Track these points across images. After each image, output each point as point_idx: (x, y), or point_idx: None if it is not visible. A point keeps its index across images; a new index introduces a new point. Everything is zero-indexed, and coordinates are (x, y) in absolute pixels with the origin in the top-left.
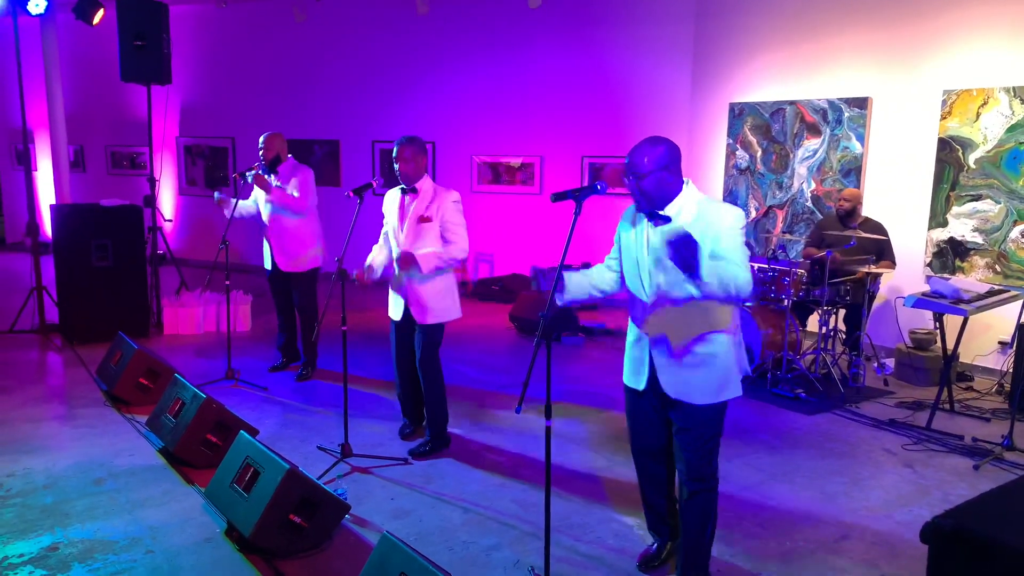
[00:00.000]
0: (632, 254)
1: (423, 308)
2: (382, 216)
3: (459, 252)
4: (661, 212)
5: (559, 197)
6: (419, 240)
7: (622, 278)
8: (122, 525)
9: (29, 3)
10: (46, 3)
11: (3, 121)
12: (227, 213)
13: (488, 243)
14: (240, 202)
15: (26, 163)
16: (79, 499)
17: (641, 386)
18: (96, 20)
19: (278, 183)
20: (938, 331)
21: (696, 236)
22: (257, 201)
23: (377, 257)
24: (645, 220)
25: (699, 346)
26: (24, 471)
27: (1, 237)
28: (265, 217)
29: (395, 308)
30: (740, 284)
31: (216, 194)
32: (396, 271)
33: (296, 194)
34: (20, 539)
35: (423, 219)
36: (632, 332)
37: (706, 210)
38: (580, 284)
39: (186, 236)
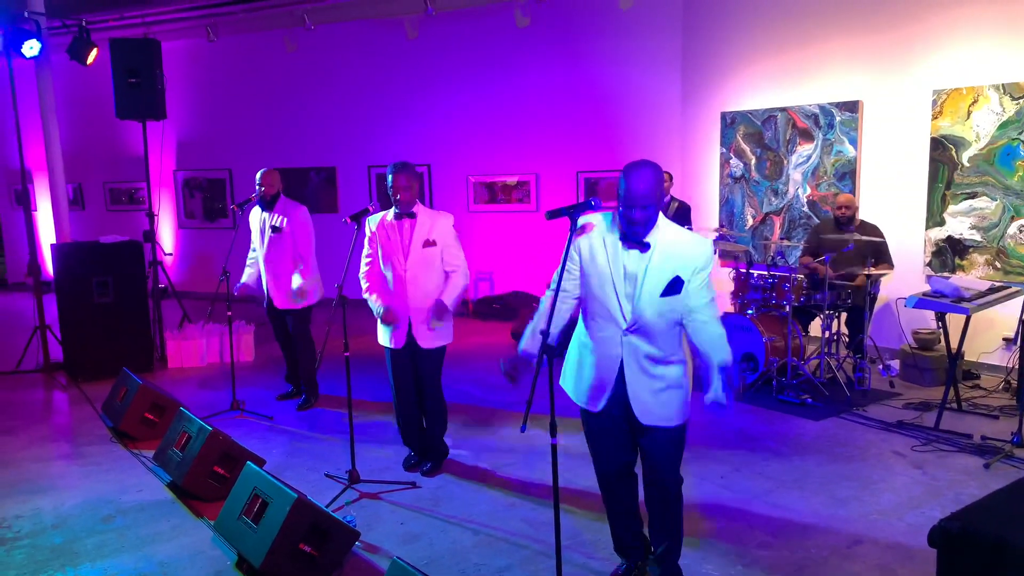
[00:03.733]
0: (605, 275)
1: (432, 333)
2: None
3: (465, 278)
4: (644, 239)
5: (554, 215)
6: (425, 265)
7: (578, 299)
8: (132, 562)
9: (23, 46)
10: (40, 45)
11: (1, 163)
12: (254, 285)
13: (487, 262)
14: (250, 275)
15: (25, 203)
16: (88, 537)
17: (600, 407)
18: (90, 60)
19: (276, 220)
20: (941, 330)
21: (672, 267)
22: (253, 243)
23: (382, 296)
24: (618, 242)
25: (667, 369)
26: (33, 511)
27: (3, 278)
28: (262, 256)
29: (396, 336)
30: (722, 337)
31: (235, 290)
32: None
33: (300, 273)
34: None
35: (428, 243)
36: (593, 351)
37: (681, 242)
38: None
39: (186, 269)
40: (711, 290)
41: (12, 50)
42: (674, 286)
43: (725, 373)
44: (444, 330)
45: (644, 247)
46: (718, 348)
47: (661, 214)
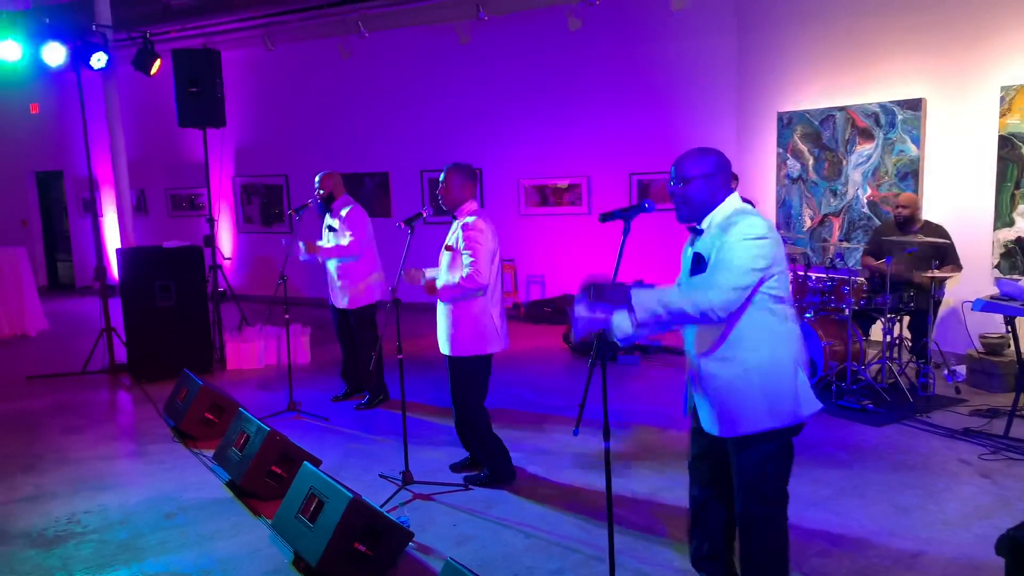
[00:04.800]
0: (681, 274)
1: (447, 338)
2: (432, 245)
3: (468, 280)
4: (697, 225)
5: (607, 217)
6: (444, 271)
7: None
8: (193, 558)
9: (91, 58)
10: (107, 57)
11: (70, 171)
12: (302, 257)
13: (539, 265)
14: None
15: (92, 210)
16: (152, 533)
17: (686, 410)
18: (154, 70)
19: (333, 220)
20: (1010, 334)
21: (702, 247)
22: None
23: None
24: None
25: (717, 367)
26: (99, 508)
27: (72, 282)
28: (321, 257)
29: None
30: (701, 306)
31: (284, 241)
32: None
33: (346, 240)
34: (98, 574)
35: (448, 248)
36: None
37: (730, 221)
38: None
39: (245, 272)
40: (734, 267)
41: (81, 63)
42: (696, 267)
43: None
44: (464, 339)
45: (697, 233)
46: (677, 291)
47: (731, 199)
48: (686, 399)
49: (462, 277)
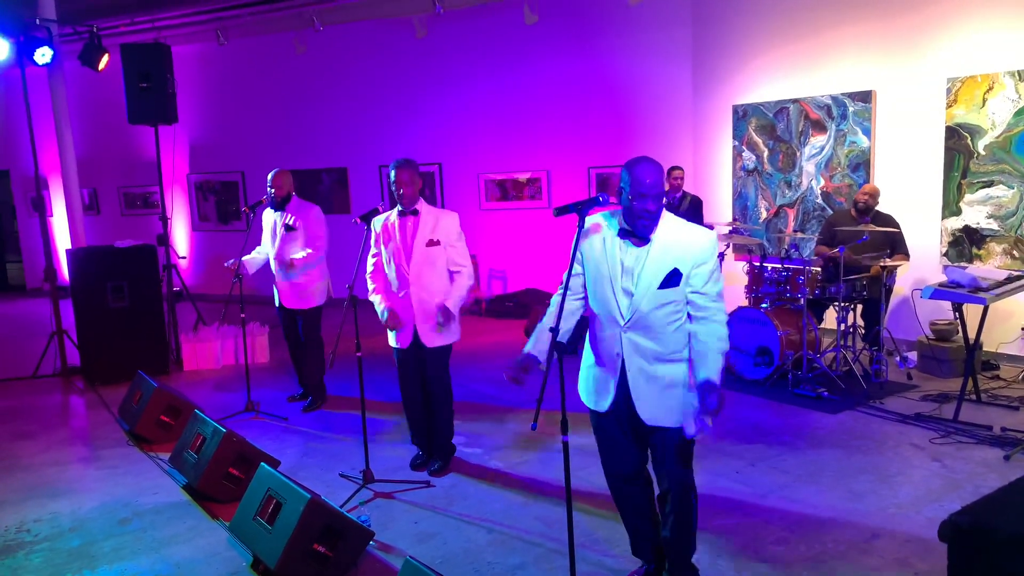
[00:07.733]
0: (603, 273)
1: (437, 333)
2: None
3: (469, 279)
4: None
5: (561, 211)
6: (428, 264)
7: (586, 298)
8: (149, 564)
9: (36, 53)
10: (52, 52)
11: (17, 170)
12: (250, 271)
13: (500, 260)
14: (250, 259)
15: (41, 210)
16: (106, 540)
17: (605, 407)
18: (101, 66)
19: (290, 220)
20: (958, 321)
21: (671, 259)
22: (264, 242)
23: (387, 297)
24: (616, 239)
25: (671, 368)
26: (51, 515)
27: (21, 283)
28: (273, 255)
29: (401, 336)
30: (726, 335)
31: (227, 263)
32: (396, 296)
33: (307, 251)
34: None
35: (432, 243)
36: (597, 351)
37: (683, 233)
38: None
39: (201, 271)
40: (717, 283)
41: (25, 58)
42: (672, 278)
43: (702, 392)
44: (453, 330)
45: (644, 241)
46: (710, 351)
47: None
48: (608, 396)
49: (462, 282)
